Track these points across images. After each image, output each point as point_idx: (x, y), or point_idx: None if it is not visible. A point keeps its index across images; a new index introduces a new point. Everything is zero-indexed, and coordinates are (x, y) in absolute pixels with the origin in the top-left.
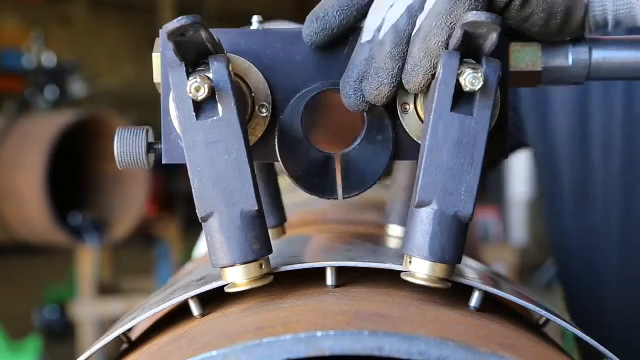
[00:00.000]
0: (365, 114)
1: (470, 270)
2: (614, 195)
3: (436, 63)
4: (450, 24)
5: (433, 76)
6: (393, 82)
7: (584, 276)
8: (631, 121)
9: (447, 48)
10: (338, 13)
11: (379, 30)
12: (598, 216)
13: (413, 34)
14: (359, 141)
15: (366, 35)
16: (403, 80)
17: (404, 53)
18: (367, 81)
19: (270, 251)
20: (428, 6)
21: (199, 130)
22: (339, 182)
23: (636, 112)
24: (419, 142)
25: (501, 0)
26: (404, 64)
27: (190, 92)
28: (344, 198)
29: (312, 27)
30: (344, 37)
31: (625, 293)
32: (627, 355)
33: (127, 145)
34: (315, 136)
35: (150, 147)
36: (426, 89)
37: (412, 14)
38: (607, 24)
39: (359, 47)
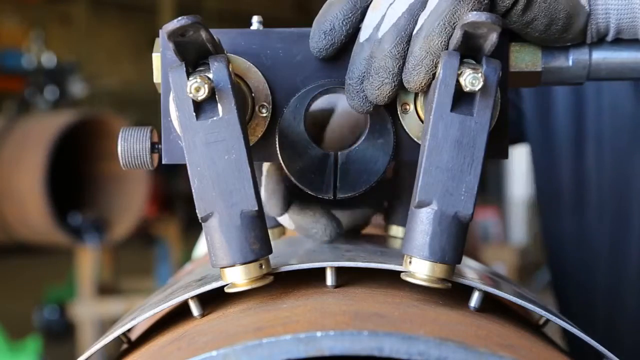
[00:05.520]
0: (369, 115)
1: (470, 271)
2: (606, 197)
3: (437, 62)
4: (453, 23)
5: (434, 75)
6: (394, 82)
7: (578, 282)
8: (618, 121)
9: (447, 48)
10: (344, 23)
11: (377, 28)
12: (592, 220)
13: (414, 32)
14: (360, 142)
15: (364, 33)
16: (403, 80)
17: (404, 52)
18: (368, 81)
19: (270, 251)
20: (430, 5)
21: (198, 130)
22: (334, 182)
23: (621, 112)
24: (419, 142)
25: (503, 5)
26: (404, 63)
27: (190, 92)
28: (337, 198)
29: (321, 43)
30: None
31: (615, 300)
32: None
33: (131, 145)
34: (316, 135)
35: (153, 146)
36: (426, 89)
37: (414, 12)
38: (609, 32)
39: (357, 47)
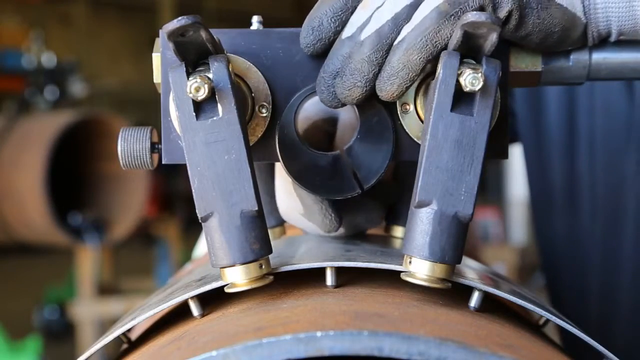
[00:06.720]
0: (356, 107)
1: (470, 271)
2: (599, 198)
3: (413, 76)
4: (435, 42)
5: (407, 88)
6: (366, 86)
7: (571, 283)
8: (611, 122)
9: (427, 65)
10: (332, 20)
11: (361, 29)
12: (585, 221)
13: (395, 42)
14: (356, 134)
15: (347, 31)
16: (377, 87)
17: (382, 59)
18: (341, 79)
19: (270, 251)
20: (415, 20)
21: (198, 130)
22: (355, 175)
23: (614, 112)
24: (419, 142)
25: None
26: (379, 70)
27: (190, 92)
28: (364, 190)
29: (308, 39)
30: None
31: (608, 301)
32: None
33: (131, 145)
34: (314, 136)
35: (153, 146)
36: (425, 90)
37: (398, 23)
38: (610, 36)
39: (338, 42)
